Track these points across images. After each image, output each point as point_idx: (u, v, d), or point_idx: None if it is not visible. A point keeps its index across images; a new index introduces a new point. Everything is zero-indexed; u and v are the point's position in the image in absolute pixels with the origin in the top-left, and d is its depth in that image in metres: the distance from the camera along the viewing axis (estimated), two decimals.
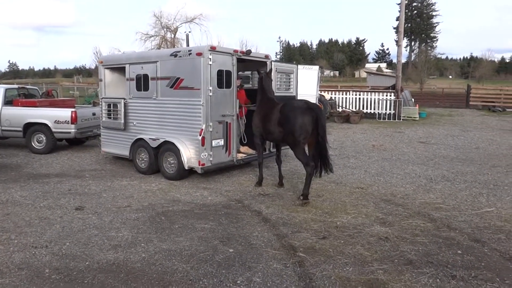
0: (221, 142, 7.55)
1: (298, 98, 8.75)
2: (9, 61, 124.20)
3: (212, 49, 7.16)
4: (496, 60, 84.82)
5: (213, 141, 7.34)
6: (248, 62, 8.52)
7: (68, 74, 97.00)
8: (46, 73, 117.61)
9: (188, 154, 7.32)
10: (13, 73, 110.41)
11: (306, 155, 6.25)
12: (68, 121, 10.14)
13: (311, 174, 6.13)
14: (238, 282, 3.76)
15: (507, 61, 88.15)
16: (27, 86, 12.79)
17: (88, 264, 4.10)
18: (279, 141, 6.95)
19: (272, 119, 6.55)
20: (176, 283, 3.74)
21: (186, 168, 7.37)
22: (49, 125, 10.23)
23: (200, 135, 7.13)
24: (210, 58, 7.06)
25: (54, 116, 10.25)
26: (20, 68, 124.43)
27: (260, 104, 7.03)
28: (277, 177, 7.33)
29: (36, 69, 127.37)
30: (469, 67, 78.57)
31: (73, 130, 10.20)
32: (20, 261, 4.18)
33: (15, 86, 12.57)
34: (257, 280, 3.79)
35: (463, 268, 4.03)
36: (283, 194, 6.71)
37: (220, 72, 7.32)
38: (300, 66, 11.15)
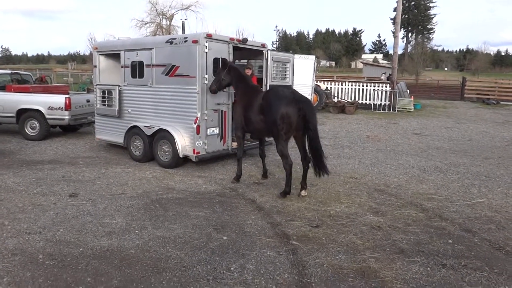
0: (216, 130, 7.54)
1: (289, 87, 8.47)
2: (1, 46, 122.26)
3: (208, 36, 7.10)
4: (491, 53, 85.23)
5: (208, 130, 7.33)
6: (244, 51, 8.45)
7: (62, 60, 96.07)
8: (40, 59, 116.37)
9: (183, 142, 7.31)
10: (6, 59, 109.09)
11: (287, 151, 5.83)
12: (62, 108, 10.04)
13: (291, 172, 5.84)
14: (232, 269, 3.79)
15: (503, 54, 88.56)
16: (20, 72, 12.62)
17: (82, 251, 4.12)
18: (261, 133, 6.48)
19: (254, 106, 6.13)
20: (170, 269, 3.76)
21: (181, 156, 7.36)
22: (42, 111, 10.12)
23: (195, 123, 7.11)
24: (206, 46, 7.00)
25: (47, 103, 10.14)
26: (13, 53, 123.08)
27: (242, 92, 6.57)
28: (268, 166, 7.34)
29: (29, 55, 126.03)
30: (465, 59, 78.76)
31: (67, 117, 10.10)
32: (14, 247, 4.18)
33: (8, 71, 12.40)
34: (250, 267, 3.83)
35: (454, 257, 4.09)
36: (277, 183, 6.73)
37: (216, 60, 7.26)
38: (296, 56, 11.11)
